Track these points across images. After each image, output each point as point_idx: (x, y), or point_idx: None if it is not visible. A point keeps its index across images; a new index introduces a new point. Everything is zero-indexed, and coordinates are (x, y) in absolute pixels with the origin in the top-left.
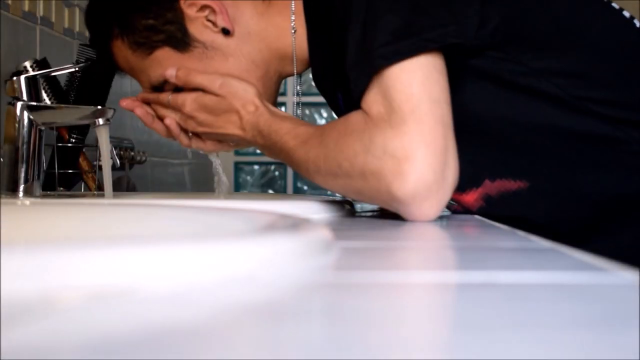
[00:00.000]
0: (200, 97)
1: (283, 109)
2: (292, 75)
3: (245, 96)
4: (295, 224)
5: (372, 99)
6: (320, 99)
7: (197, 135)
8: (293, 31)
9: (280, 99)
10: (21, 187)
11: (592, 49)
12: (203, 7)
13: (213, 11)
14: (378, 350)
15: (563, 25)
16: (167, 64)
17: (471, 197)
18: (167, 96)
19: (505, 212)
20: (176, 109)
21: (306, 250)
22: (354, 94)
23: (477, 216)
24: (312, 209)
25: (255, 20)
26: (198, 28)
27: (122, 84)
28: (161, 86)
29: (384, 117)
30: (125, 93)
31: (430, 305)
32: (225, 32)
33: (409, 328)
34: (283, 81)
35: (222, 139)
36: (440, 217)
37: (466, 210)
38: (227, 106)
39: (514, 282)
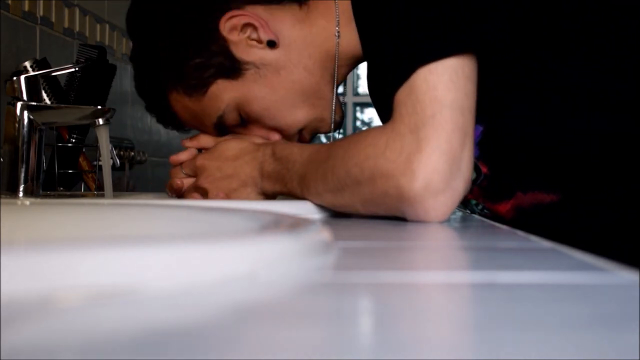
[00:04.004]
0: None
1: None
2: (345, 76)
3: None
4: (295, 224)
5: (398, 99)
6: None
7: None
8: (337, 35)
9: None
10: (21, 187)
11: (622, 43)
12: (244, 27)
13: (254, 28)
14: (378, 350)
15: (591, 21)
16: (225, 95)
17: (503, 208)
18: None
19: (538, 223)
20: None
21: (306, 250)
22: (389, 91)
23: (476, 216)
24: (312, 209)
25: (297, 28)
26: (244, 50)
27: (122, 84)
28: (222, 122)
29: (404, 119)
30: (125, 93)
31: (430, 305)
32: (271, 44)
33: (409, 328)
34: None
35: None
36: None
37: (498, 217)
38: (239, 147)
39: (514, 282)
